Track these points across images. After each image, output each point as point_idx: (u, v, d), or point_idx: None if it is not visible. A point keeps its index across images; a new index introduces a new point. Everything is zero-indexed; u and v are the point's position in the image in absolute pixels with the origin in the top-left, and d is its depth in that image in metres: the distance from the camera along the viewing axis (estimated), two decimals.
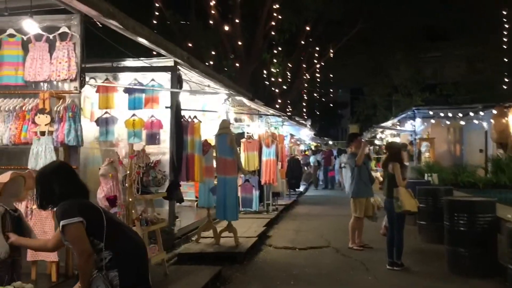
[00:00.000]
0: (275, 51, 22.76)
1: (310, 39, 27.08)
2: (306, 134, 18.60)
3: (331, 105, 37.84)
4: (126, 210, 5.88)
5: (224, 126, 8.79)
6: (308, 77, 29.31)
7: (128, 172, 6.00)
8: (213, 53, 16.88)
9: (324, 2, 24.10)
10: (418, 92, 29.45)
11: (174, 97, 8.68)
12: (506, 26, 23.54)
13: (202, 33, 17.77)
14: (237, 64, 17.71)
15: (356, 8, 26.10)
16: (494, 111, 13.08)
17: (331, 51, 28.12)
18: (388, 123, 16.78)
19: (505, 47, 23.44)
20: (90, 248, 3.21)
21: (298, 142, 22.88)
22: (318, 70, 29.89)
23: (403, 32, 28.70)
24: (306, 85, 28.82)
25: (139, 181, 6.05)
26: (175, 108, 8.59)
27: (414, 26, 28.77)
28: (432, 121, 14.06)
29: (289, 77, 27.04)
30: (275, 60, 22.04)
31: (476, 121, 13.74)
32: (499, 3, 23.63)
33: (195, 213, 10.90)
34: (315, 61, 28.77)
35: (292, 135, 18.74)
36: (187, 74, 9.18)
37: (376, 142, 23.31)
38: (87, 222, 3.24)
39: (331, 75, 31.96)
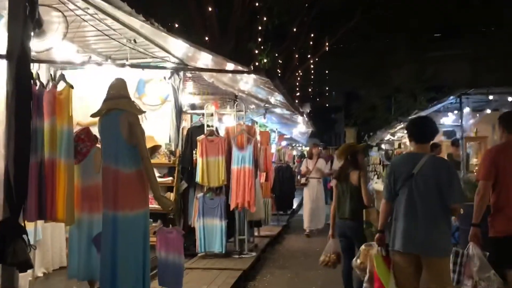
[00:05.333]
0: (260, 39, 17.82)
1: (303, 29, 22.23)
2: (301, 132, 13.40)
3: (327, 105, 32.72)
4: None
5: (116, 93, 3.66)
6: (301, 73, 24.42)
7: None
8: (176, 25, 11.89)
9: None
10: (423, 92, 25.17)
11: (15, 38, 3.65)
12: None
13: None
14: (207, 38, 12.70)
15: None
16: None
17: (327, 44, 23.31)
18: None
19: None
20: None
21: (292, 145, 17.66)
22: (312, 66, 24.99)
23: (407, 27, 24.53)
24: (298, 81, 23.89)
25: None
26: (18, 61, 3.60)
27: (419, 20, 24.48)
28: (488, 111, 9.05)
29: (279, 71, 22.17)
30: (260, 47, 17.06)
31: None
32: None
33: None
34: (309, 55, 23.92)
35: (281, 134, 13.58)
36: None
37: (384, 146, 18.16)
38: None
39: (327, 72, 27.07)
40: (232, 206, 7.06)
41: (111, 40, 6.28)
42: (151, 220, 7.05)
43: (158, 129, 7.39)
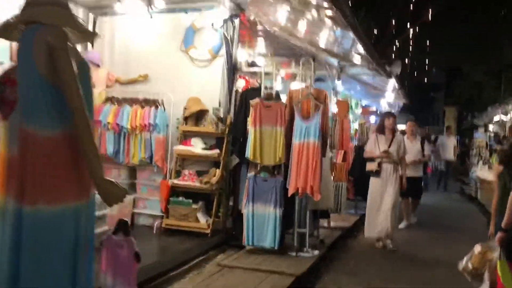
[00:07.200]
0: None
1: None
2: (390, 104, 11.08)
3: (425, 81, 29.30)
4: None
5: None
6: (397, 45, 21.69)
7: None
8: None
9: None
10: None
11: None
12: None
13: None
14: None
15: None
16: None
17: (429, 12, 20.33)
18: None
19: None
20: None
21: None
22: (411, 37, 22.06)
23: None
24: (394, 53, 21.20)
25: None
26: None
27: None
28: None
29: (373, 40, 19.72)
30: None
31: None
32: None
33: None
34: (408, 25, 21.08)
35: (366, 107, 11.44)
36: None
37: (491, 127, 15.30)
38: None
39: (427, 44, 23.96)
40: (290, 191, 5.42)
41: None
42: (190, 200, 5.71)
43: (206, 90, 5.95)
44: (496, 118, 14.72)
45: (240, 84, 6.73)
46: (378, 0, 19.16)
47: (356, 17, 17.30)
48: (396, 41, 21.21)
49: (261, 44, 7.75)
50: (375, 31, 19.35)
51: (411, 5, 19.60)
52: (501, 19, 22.65)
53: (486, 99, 24.62)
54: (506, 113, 13.27)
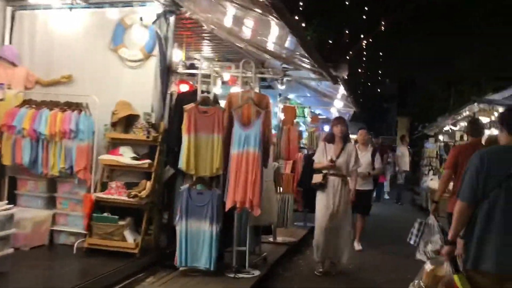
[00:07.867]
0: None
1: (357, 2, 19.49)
2: (340, 112, 10.64)
3: (379, 90, 29.51)
4: None
5: None
6: (351, 54, 21.70)
7: None
8: None
9: None
10: (490, 81, 21.82)
11: None
12: None
13: None
14: None
15: None
16: None
17: (382, 23, 20.45)
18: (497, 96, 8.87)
19: None
20: None
21: None
22: (364, 47, 22.13)
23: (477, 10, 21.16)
24: (347, 63, 21.08)
25: None
26: None
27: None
28: None
29: (327, 51, 19.58)
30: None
31: None
32: None
33: None
34: (361, 35, 21.14)
35: (316, 115, 11.08)
36: None
37: (441, 137, 15.35)
38: None
39: (381, 54, 24.13)
40: (228, 206, 4.87)
41: None
42: (116, 217, 5.08)
43: (138, 93, 5.36)
44: (446, 128, 14.75)
45: (183, 90, 6.19)
46: (331, 10, 19.06)
47: (309, 26, 17.05)
48: (350, 51, 21.20)
49: (206, 47, 7.27)
50: (329, 41, 19.27)
51: (365, 16, 19.62)
52: (452, 31, 23.12)
53: (437, 110, 25.11)
54: (455, 124, 13.26)
